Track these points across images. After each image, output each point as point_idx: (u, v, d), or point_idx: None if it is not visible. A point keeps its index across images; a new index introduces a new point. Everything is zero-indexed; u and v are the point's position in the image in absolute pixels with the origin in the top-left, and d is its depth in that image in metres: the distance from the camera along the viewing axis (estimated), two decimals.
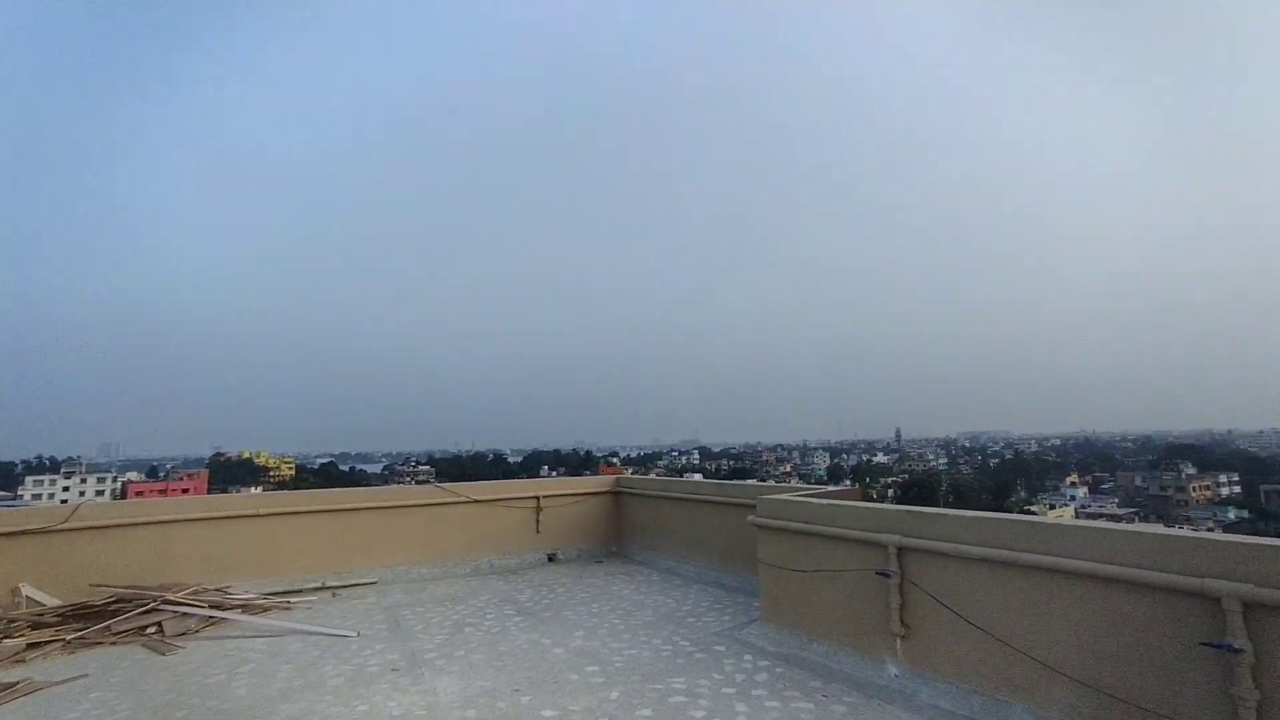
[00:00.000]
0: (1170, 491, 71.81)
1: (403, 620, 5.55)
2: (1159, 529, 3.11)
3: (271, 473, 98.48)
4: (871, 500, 5.71)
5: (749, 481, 7.65)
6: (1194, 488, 72.38)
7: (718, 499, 6.95)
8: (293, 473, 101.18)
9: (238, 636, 5.16)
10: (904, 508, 4.04)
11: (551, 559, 7.98)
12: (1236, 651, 2.53)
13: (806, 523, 4.55)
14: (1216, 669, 2.61)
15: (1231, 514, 62.41)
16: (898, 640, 3.88)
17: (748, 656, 4.44)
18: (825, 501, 4.59)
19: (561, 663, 4.42)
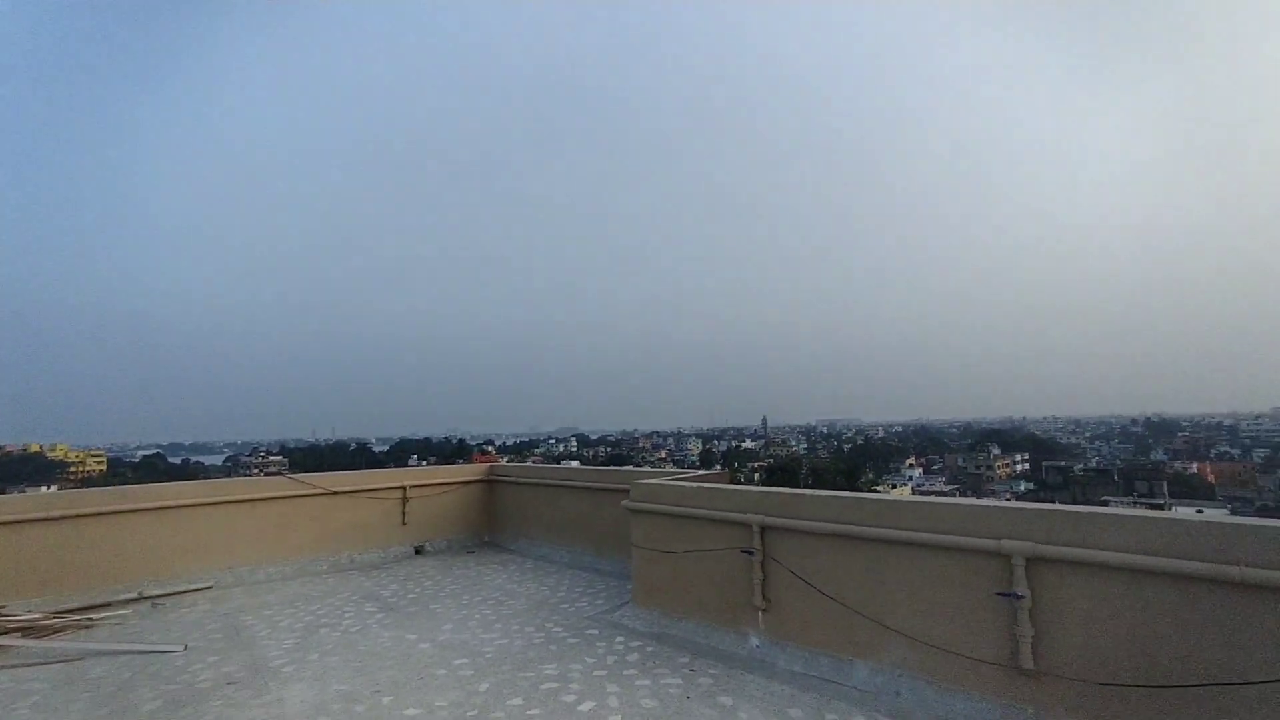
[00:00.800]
0: (982, 469, 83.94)
1: (244, 627, 4.99)
2: (971, 501, 3.60)
3: (73, 469, 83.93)
4: (740, 483, 6.05)
5: (625, 467, 7.79)
6: (999, 465, 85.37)
7: (592, 485, 7.01)
8: (103, 468, 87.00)
9: (16, 666, 4.30)
10: (766, 489, 4.33)
11: (419, 551, 7.60)
12: (1020, 598, 3.02)
13: (678, 505, 4.73)
14: (1006, 613, 3.09)
15: (1023, 486, 74.47)
16: (759, 613, 4.16)
17: (620, 638, 4.54)
18: (695, 485, 4.79)
19: (428, 658, 4.23)
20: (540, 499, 7.69)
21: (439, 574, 6.63)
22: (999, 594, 3.11)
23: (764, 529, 4.15)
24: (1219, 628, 2.57)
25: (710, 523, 4.49)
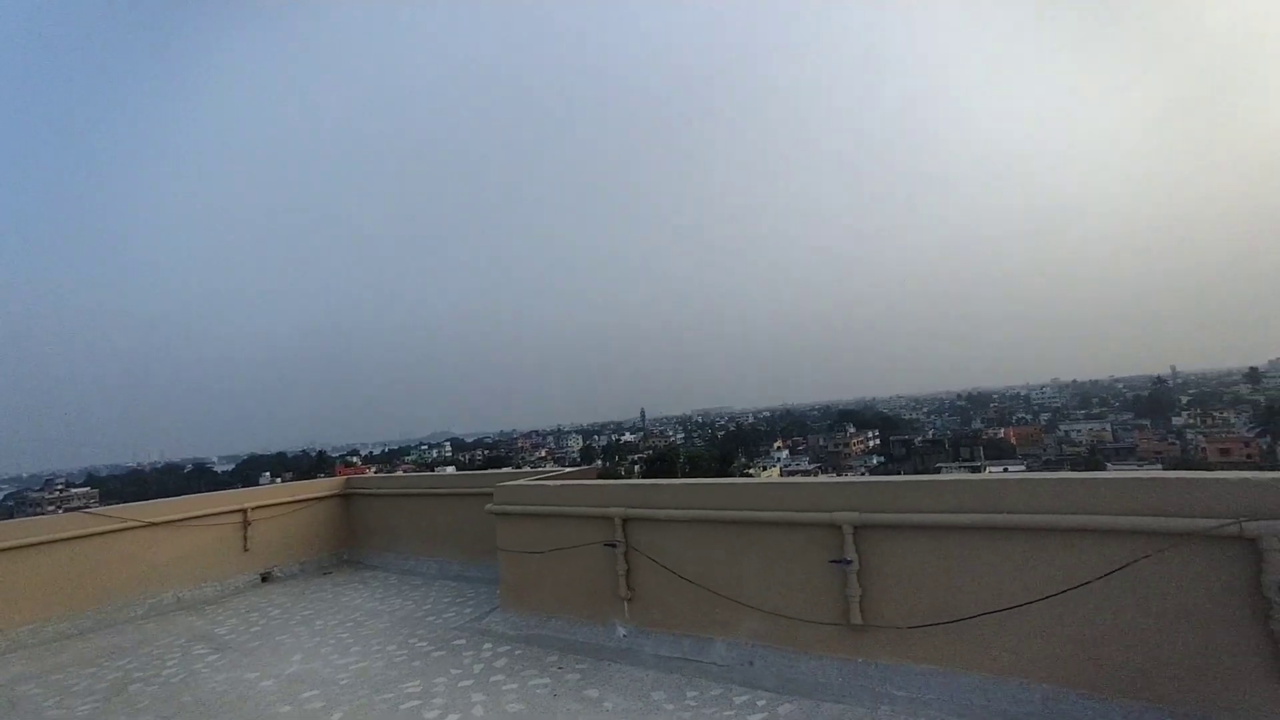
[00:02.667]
0: (840, 447, 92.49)
1: (22, 699, 4.17)
2: (808, 479, 3.96)
3: None
4: (620, 477, 6.14)
5: (504, 469, 7.59)
6: (854, 443, 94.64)
7: (459, 491, 6.76)
8: None
9: None
10: (627, 482, 4.44)
11: (266, 578, 6.86)
12: (849, 563, 3.37)
13: (542, 505, 4.70)
14: (839, 578, 3.44)
15: (874, 460, 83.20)
16: (625, 603, 4.26)
17: (487, 645, 4.43)
18: (558, 483, 4.80)
19: (270, 696, 3.84)
20: (405, 509, 7.27)
21: (289, 601, 6.03)
22: (832, 561, 3.45)
23: (626, 521, 4.25)
24: (993, 565, 3.05)
25: (575, 519, 4.51)
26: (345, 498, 7.83)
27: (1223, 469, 3.19)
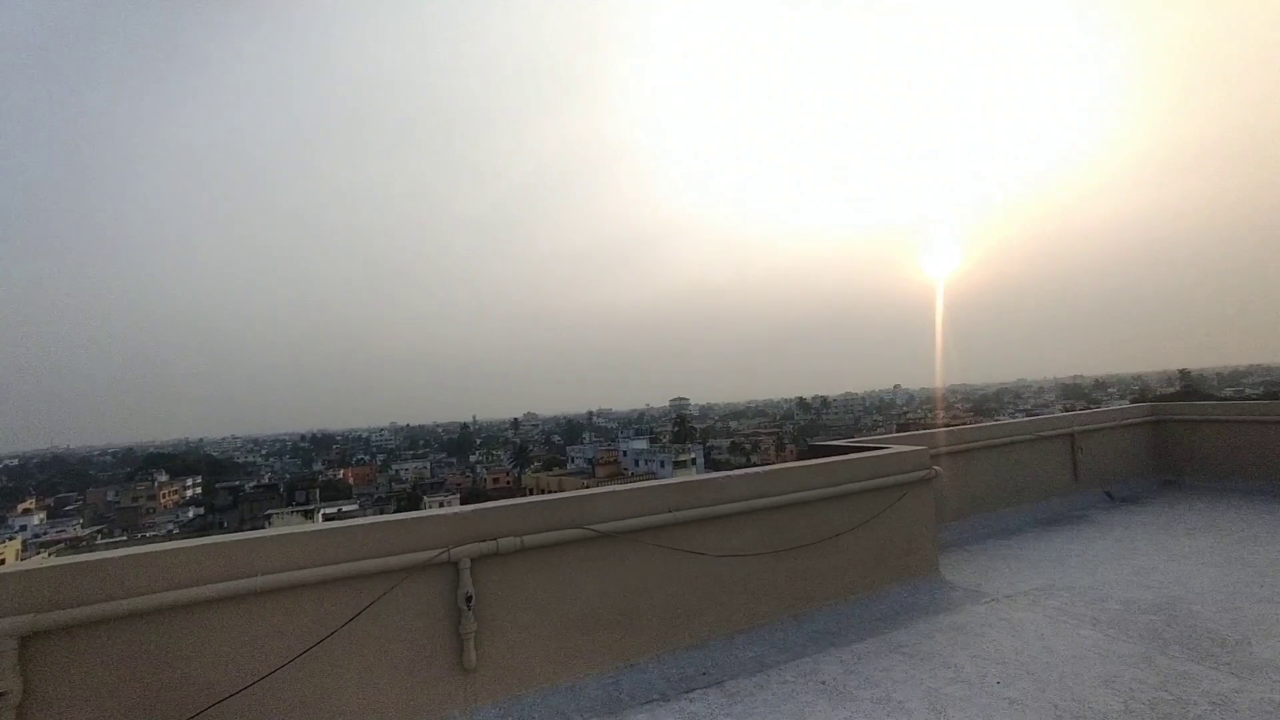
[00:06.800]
0: (142, 501, 73.37)
1: None
2: None
3: None
4: None
5: None
6: (164, 494, 77.00)
7: None
8: None
9: None
10: None
11: None
12: (3, 695, 2.22)
13: None
14: None
15: (191, 513, 69.94)
16: None
17: None
18: None
19: None
20: None
21: None
22: None
23: None
24: (239, 638, 2.61)
25: None
26: None
27: (491, 497, 3.85)
